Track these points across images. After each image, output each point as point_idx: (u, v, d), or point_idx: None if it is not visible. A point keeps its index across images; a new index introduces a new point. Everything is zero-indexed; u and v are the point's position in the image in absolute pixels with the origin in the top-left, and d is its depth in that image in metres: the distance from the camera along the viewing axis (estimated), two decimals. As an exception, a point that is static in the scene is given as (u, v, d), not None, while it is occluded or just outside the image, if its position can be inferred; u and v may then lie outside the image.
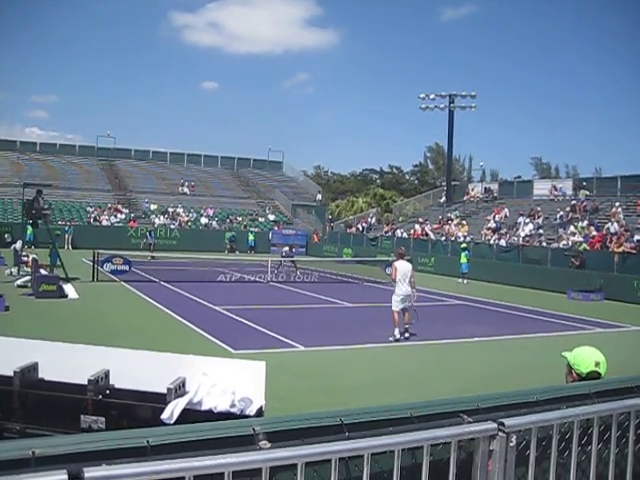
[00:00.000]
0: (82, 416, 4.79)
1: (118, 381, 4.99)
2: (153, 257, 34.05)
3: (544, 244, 31.40)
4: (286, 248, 31.97)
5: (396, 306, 14.55)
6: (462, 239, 35.77)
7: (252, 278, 27.17)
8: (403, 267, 14.77)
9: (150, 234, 39.98)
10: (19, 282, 21.00)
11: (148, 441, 1.92)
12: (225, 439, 2.01)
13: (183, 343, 12.59)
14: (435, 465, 2.30)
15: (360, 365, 12.21)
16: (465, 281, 29.35)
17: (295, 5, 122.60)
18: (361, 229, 46.67)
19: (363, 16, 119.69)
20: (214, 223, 49.57)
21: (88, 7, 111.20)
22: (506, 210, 38.77)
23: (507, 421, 2.41)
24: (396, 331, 14.44)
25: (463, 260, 29.82)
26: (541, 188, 41.59)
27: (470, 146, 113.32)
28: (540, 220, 35.09)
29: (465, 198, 45.86)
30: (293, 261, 30.83)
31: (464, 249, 30.45)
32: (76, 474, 1.68)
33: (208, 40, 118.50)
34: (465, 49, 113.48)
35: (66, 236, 39.91)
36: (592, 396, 2.90)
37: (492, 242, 34.17)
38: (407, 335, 14.65)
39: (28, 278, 20.96)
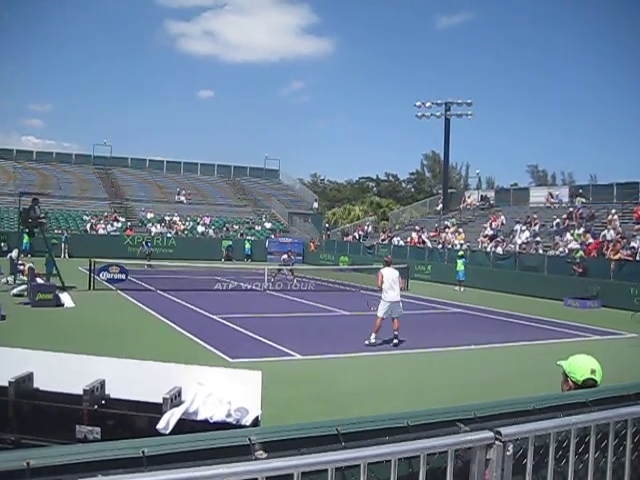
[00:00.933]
0: (77, 426, 4.78)
1: (114, 391, 4.97)
2: (150, 266, 34.01)
3: (540, 251, 31.44)
4: (285, 256, 31.92)
5: (382, 312, 14.60)
6: (459, 247, 35.81)
7: (249, 286, 27.14)
8: (390, 274, 14.87)
9: (146, 244, 39.95)
10: (15, 291, 20.96)
11: (144, 451, 1.91)
12: (221, 449, 2.01)
13: (179, 352, 12.56)
14: (432, 474, 2.30)
15: (357, 373, 12.19)
16: (462, 289, 29.35)
17: (291, 13, 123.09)
18: (358, 237, 46.73)
19: (358, 24, 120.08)
20: (210, 231, 49.58)
21: (83, 16, 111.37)
22: (502, 217, 38.83)
23: (504, 430, 2.41)
24: (372, 336, 14.50)
25: (460, 267, 29.84)
26: (537, 195, 41.75)
27: (466, 154, 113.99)
28: (536, 227, 35.16)
29: (461, 206, 45.92)
30: (291, 270, 30.78)
31: (461, 257, 30.48)
32: (71, 485, 1.68)
33: (204, 49, 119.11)
34: (461, 57, 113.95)
35: (62, 245, 39.85)
36: (589, 404, 2.90)
37: (489, 250, 34.21)
38: (396, 342, 14.63)
39: (24, 287, 20.92)
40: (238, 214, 54.89)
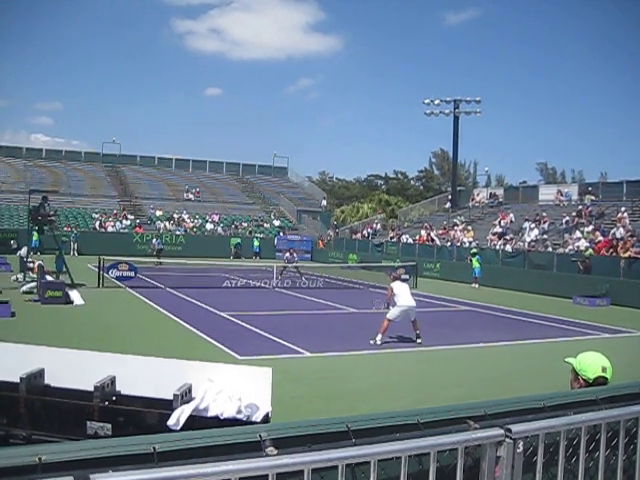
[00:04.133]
0: (88, 422, 4.79)
1: (124, 387, 4.99)
2: (159, 263, 33.92)
3: (550, 249, 31.31)
4: (287, 254, 31.76)
5: (392, 316, 14.54)
6: (468, 244, 35.79)
7: (257, 284, 27.18)
8: (400, 287, 14.96)
9: (157, 240, 39.94)
10: (25, 288, 21.03)
11: (154, 447, 1.92)
12: (232, 445, 2.01)
13: (189, 349, 12.59)
14: (442, 471, 2.29)
15: (366, 371, 12.19)
16: (477, 285, 29.58)
17: (298, 11, 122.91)
18: (366, 235, 46.67)
19: (366, 21, 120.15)
20: (219, 229, 49.64)
21: (90, 14, 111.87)
22: (511, 215, 38.70)
23: (514, 427, 2.41)
24: (379, 337, 14.40)
25: (475, 265, 29.94)
26: (547, 193, 41.53)
27: (475, 151, 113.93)
28: (546, 225, 35.02)
29: (470, 203, 45.81)
30: (297, 267, 30.70)
31: (474, 254, 30.55)
32: (83, 480, 1.68)
33: (211, 46, 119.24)
34: (469, 54, 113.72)
35: (72, 242, 40.00)
36: (599, 402, 2.89)
37: (498, 247, 34.11)
38: (419, 341, 14.59)
39: (34, 284, 20.99)
40: (247, 212, 54.93)
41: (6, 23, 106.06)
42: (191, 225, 49.20)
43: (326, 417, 2.34)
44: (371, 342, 14.39)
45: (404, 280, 16.64)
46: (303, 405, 9.17)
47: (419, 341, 14.59)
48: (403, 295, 14.66)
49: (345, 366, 12.52)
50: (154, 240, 40.32)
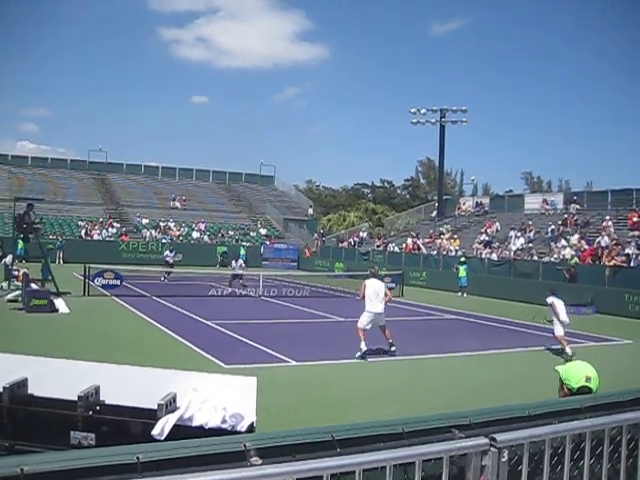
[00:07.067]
0: (72, 432, 4.75)
1: (108, 397, 4.95)
2: (168, 274, 31.89)
3: (535, 258, 31.47)
4: (233, 262, 30.65)
5: (362, 324, 14.19)
6: (454, 253, 35.90)
7: (243, 292, 27.11)
8: (374, 285, 14.46)
9: (171, 251, 39.07)
10: (10, 296, 20.87)
11: (138, 457, 1.90)
12: (216, 455, 2.00)
13: (174, 358, 12.53)
14: (427, 481, 2.29)
15: (351, 380, 12.17)
16: (464, 294, 29.57)
17: (284, 19, 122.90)
18: (353, 243, 46.71)
19: (353, 30, 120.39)
20: (205, 237, 49.51)
21: (77, 22, 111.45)
22: (497, 224, 38.89)
23: (499, 436, 2.41)
24: (362, 344, 13.89)
25: (462, 274, 29.98)
26: (532, 202, 41.79)
27: (461, 160, 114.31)
28: (531, 234, 35.21)
29: (456, 212, 45.99)
30: (239, 274, 29.07)
31: (462, 263, 30.61)
32: (65, 491, 1.67)
33: (197, 55, 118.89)
34: (456, 63, 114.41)
35: (57, 250, 39.72)
36: (584, 411, 2.90)
37: (484, 256, 34.24)
38: (394, 349, 14.24)
39: (19, 292, 20.84)
40: (233, 220, 54.87)
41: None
42: (177, 233, 49.04)
43: (311, 426, 2.33)
44: (357, 355, 13.86)
45: (381, 278, 16.18)
46: (288, 414, 9.14)
47: (393, 349, 14.21)
48: (371, 298, 14.23)
49: (331, 375, 12.50)
50: (168, 251, 38.90)
